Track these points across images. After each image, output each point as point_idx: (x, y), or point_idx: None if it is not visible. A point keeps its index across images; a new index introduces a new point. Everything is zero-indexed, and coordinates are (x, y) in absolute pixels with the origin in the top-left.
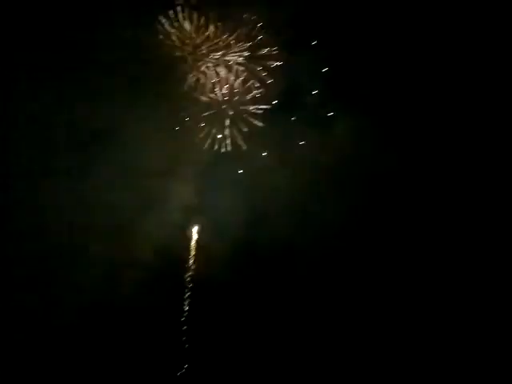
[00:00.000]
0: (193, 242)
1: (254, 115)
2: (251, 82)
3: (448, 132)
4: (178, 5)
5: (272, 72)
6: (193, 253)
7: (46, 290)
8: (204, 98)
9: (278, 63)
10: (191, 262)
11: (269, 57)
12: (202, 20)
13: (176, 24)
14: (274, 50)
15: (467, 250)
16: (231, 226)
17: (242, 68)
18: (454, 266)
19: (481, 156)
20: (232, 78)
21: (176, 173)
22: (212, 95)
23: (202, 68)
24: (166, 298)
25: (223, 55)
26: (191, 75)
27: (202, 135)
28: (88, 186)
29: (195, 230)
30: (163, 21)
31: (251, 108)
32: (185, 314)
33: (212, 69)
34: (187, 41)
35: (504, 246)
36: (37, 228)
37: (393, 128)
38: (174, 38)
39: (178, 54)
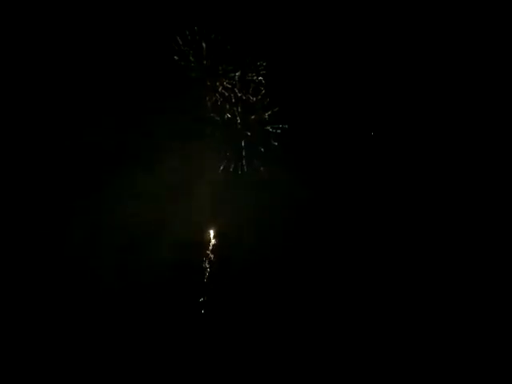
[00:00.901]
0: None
1: (271, 134)
2: (268, 100)
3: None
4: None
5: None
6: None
7: None
8: (220, 119)
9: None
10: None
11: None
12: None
13: (193, 44)
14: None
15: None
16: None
17: (260, 87)
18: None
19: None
20: (250, 97)
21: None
22: (229, 115)
23: (220, 89)
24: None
25: (240, 74)
26: (209, 96)
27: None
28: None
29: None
30: (179, 41)
31: (268, 127)
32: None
33: (229, 88)
34: (204, 61)
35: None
36: None
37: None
38: (191, 58)
39: (194, 75)
